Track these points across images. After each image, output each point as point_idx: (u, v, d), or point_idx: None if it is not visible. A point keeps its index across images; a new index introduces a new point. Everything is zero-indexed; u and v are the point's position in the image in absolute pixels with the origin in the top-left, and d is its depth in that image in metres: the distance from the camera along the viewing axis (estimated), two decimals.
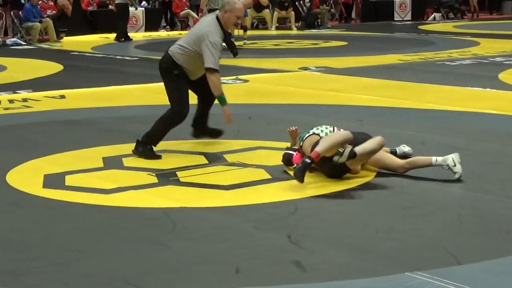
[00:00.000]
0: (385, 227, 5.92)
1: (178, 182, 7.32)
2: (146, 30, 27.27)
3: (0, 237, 5.83)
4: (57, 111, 11.32)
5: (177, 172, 7.63)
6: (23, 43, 23.21)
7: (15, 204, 6.67)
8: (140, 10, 27.61)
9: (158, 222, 6.10)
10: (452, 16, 34.26)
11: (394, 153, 7.86)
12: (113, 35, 24.98)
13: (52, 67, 17.14)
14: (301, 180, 6.90)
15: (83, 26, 26.13)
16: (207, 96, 8.64)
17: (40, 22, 23.57)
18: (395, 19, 33.14)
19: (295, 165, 7.41)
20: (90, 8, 26.81)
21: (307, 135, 7.63)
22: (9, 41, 23.26)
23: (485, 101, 11.65)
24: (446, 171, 7.33)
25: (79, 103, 11.96)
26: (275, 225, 6.02)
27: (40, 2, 24.35)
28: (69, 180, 7.40)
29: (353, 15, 33.77)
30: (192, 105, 8.66)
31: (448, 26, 29.56)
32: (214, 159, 8.19)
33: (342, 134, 7.28)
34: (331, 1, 31.89)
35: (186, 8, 28.12)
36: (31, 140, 9.33)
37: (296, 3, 30.52)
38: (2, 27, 23.91)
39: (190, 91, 8.53)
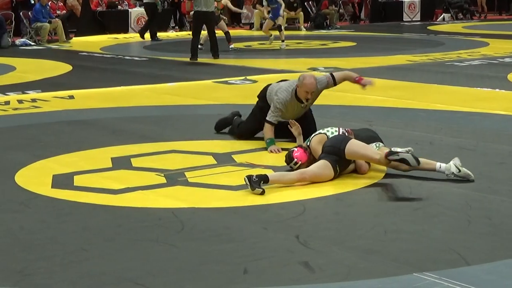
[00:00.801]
0: (393, 227, 5.91)
1: (186, 183, 7.33)
2: None
3: (9, 237, 5.84)
4: (66, 112, 11.34)
5: (185, 173, 7.63)
6: (32, 43, 23.25)
7: (24, 204, 6.68)
8: None
9: (166, 223, 6.11)
10: (461, 16, 34.18)
11: None
12: (122, 35, 25.03)
13: (61, 68, 17.17)
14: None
15: (92, 27, 26.16)
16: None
17: (49, 22, 23.61)
18: (404, 19, 33.06)
19: (295, 160, 7.50)
20: (99, 9, 26.84)
21: (316, 133, 7.69)
22: (18, 41, 23.31)
23: (494, 102, 11.63)
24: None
25: (88, 104, 11.98)
26: (283, 226, 6.02)
27: (49, 3, 24.39)
28: (78, 180, 7.42)
29: (362, 15, 33.73)
30: None
31: (457, 26, 29.50)
32: (222, 159, 8.19)
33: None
34: (340, 2, 31.85)
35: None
36: (40, 140, 9.35)
37: (305, 3, 30.51)
38: (11, 28, 23.95)
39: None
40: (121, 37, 25.44)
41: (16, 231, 5.97)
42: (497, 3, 37.87)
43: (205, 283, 4.90)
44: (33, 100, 12.32)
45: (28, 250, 5.53)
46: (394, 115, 10.69)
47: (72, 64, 17.70)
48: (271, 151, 8.41)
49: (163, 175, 7.56)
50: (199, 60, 17.89)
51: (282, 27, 21.64)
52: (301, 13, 28.60)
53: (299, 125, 8.30)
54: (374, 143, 7.60)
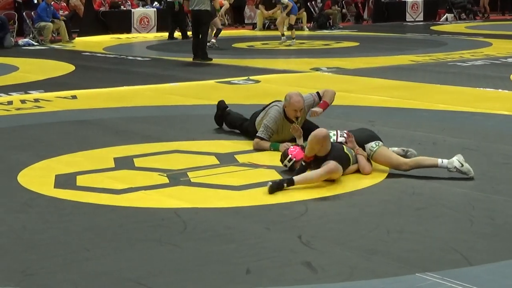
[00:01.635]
0: (396, 228, 5.91)
1: (189, 183, 7.33)
2: (158, 30, 27.28)
3: (12, 236, 5.85)
4: (68, 112, 11.35)
5: (188, 173, 7.63)
6: (35, 43, 23.27)
7: (27, 204, 6.68)
8: (152, 10, 27.64)
9: (168, 223, 6.11)
10: (464, 16, 34.16)
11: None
12: (125, 35, 25.02)
13: (64, 68, 17.17)
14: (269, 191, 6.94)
15: (95, 27, 26.16)
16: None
17: (52, 22, 23.61)
18: (407, 19, 33.05)
19: (290, 156, 7.55)
20: (102, 9, 26.85)
21: None
22: (21, 41, 23.32)
23: (497, 102, 11.62)
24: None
25: (91, 104, 11.98)
26: (285, 226, 6.02)
27: (52, 3, 24.38)
28: (80, 180, 7.42)
29: (365, 15, 33.71)
30: None
31: (460, 26, 29.49)
32: (225, 159, 8.19)
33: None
34: (343, 2, 31.83)
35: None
36: (42, 140, 9.35)
37: (308, 3, 30.49)
38: (14, 28, 23.96)
39: None
40: (124, 37, 25.44)
41: (18, 231, 5.97)
42: (500, 3, 37.84)
43: (208, 283, 4.90)
44: (36, 100, 12.32)
45: (30, 250, 5.53)
46: (396, 115, 10.69)
47: (75, 64, 17.70)
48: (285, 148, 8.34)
49: (165, 175, 7.56)
50: (202, 60, 17.87)
51: (293, 26, 22.50)
52: (304, 13, 28.59)
53: (300, 128, 8.31)
54: (374, 142, 7.60)
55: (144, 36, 26.01)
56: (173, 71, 16.37)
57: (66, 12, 25.43)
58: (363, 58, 18.35)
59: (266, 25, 29.21)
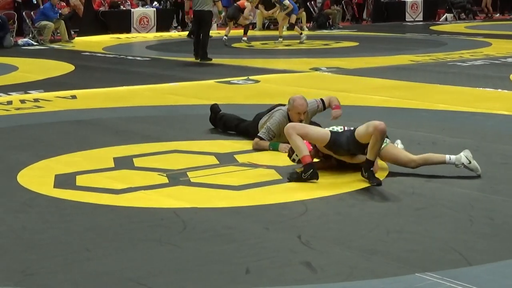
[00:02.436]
0: (395, 228, 5.91)
1: (188, 183, 7.33)
2: (158, 30, 27.30)
3: (11, 236, 5.85)
4: (68, 111, 11.35)
5: (187, 173, 7.63)
6: (35, 43, 23.26)
7: (26, 204, 6.68)
8: (152, 10, 27.64)
9: (168, 223, 6.11)
10: (464, 16, 34.16)
11: None
12: (124, 35, 24.99)
13: (64, 68, 17.17)
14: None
15: (94, 27, 26.16)
16: None
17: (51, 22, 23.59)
18: (406, 19, 33.04)
19: (294, 153, 7.57)
20: (101, 9, 26.85)
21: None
22: (20, 41, 23.32)
23: (497, 102, 11.63)
24: (457, 170, 7.34)
25: (90, 104, 11.98)
26: (285, 226, 6.02)
27: (56, 4, 24.33)
28: (80, 180, 7.42)
29: (365, 15, 33.69)
30: None
31: (459, 26, 29.48)
32: (224, 159, 8.19)
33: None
34: (343, 2, 31.82)
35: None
36: (42, 140, 9.35)
37: (308, 3, 30.49)
38: (14, 28, 23.96)
39: None
40: (123, 37, 25.44)
41: (18, 231, 5.97)
42: (500, 3, 37.84)
43: (207, 283, 4.90)
44: (36, 100, 12.32)
45: (30, 250, 5.53)
46: (396, 115, 10.69)
47: (74, 64, 17.70)
48: (285, 150, 8.33)
49: (165, 175, 7.56)
50: (201, 60, 17.87)
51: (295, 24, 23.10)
52: (304, 13, 28.58)
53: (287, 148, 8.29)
54: None
55: (144, 36, 26.00)
56: (172, 71, 16.37)
57: (66, 12, 25.40)
58: (363, 58, 18.35)
59: (266, 25, 29.22)
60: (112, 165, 8.02)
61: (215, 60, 17.87)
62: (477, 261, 5.19)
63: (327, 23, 29.17)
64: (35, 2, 25.50)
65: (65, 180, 7.41)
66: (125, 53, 20.40)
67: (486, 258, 5.25)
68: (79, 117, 10.82)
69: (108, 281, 4.94)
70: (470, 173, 7.41)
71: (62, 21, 23.93)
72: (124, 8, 27.34)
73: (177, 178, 7.46)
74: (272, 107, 9.00)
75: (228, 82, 14.20)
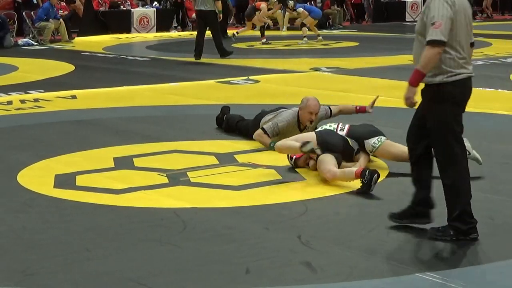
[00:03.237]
0: (395, 228, 5.91)
1: (188, 183, 7.33)
2: (158, 30, 27.28)
3: (12, 236, 5.85)
4: (68, 112, 11.35)
5: (187, 173, 7.63)
6: (35, 43, 23.26)
7: (26, 204, 6.69)
8: (152, 10, 27.63)
9: (168, 223, 6.11)
10: None
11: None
12: (124, 35, 24.96)
13: (64, 68, 17.17)
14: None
15: (94, 27, 26.13)
16: None
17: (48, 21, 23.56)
18: (406, 19, 33.01)
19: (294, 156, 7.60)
20: (101, 9, 26.84)
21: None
22: (20, 41, 23.31)
23: (497, 102, 11.63)
24: None
25: (90, 104, 11.98)
26: (285, 226, 6.03)
27: (55, 4, 24.32)
28: (80, 180, 7.42)
29: (365, 15, 33.68)
30: None
31: None
32: (224, 159, 8.19)
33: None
34: (343, 2, 31.79)
35: None
36: (42, 140, 9.35)
37: (307, 3, 30.47)
38: (14, 28, 23.95)
39: None
40: (123, 37, 25.43)
41: (18, 231, 5.97)
42: (500, 3, 37.83)
43: (207, 283, 4.91)
44: (36, 100, 12.32)
45: (30, 250, 5.54)
46: (396, 115, 10.67)
47: (74, 64, 17.69)
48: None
49: (165, 175, 7.56)
50: (203, 60, 17.89)
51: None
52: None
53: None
54: (376, 138, 7.60)
55: (144, 36, 25.99)
56: (172, 71, 16.36)
57: (66, 12, 25.41)
58: (363, 58, 18.35)
59: (266, 25, 29.19)
60: (112, 165, 8.02)
61: (215, 60, 17.87)
62: (477, 261, 5.20)
63: (327, 23, 29.15)
64: (35, 2, 25.48)
65: (65, 180, 7.41)
66: (125, 53, 20.39)
67: (486, 258, 5.25)
68: (79, 117, 10.82)
69: (108, 281, 4.94)
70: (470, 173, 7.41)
71: (62, 21, 23.93)
72: (124, 8, 27.33)
73: (177, 178, 7.46)
74: (275, 109, 8.98)
75: (228, 82, 14.20)
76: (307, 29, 22.78)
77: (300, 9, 22.73)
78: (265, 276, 4.99)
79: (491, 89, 12.97)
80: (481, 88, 13.08)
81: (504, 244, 5.58)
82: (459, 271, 5.01)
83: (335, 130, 7.70)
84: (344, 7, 31.99)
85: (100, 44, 22.88)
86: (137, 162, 8.12)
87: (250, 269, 5.09)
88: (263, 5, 23.20)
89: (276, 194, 6.88)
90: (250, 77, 14.74)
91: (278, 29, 27.39)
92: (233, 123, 9.48)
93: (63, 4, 25.82)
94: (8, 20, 23.21)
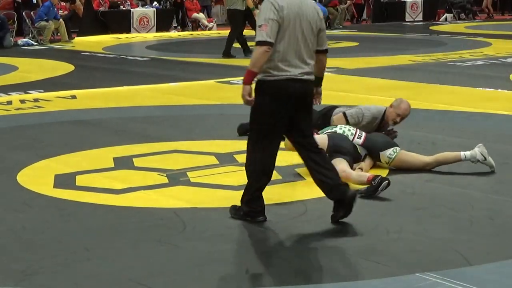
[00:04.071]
0: (395, 227, 5.91)
1: (188, 183, 7.33)
2: (157, 30, 27.28)
3: (11, 236, 5.85)
4: (68, 112, 11.35)
5: (187, 173, 7.63)
6: (35, 43, 23.25)
7: (26, 204, 6.68)
8: (151, 10, 27.63)
9: (168, 223, 6.11)
10: (464, 16, 34.15)
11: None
12: (124, 35, 24.95)
13: (64, 68, 17.17)
14: None
15: (94, 27, 26.13)
16: None
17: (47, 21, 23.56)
18: (406, 19, 33.03)
19: None
20: (101, 9, 26.84)
21: (329, 131, 7.76)
22: (20, 41, 23.31)
23: (496, 102, 11.63)
24: (457, 169, 7.36)
25: (90, 104, 11.98)
26: (285, 226, 6.02)
27: (55, 4, 24.31)
28: (80, 180, 7.42)
29: (365, 15, 33.68)
30: None
31: (459, 26, 29.48)
32: (224, 159, 8.19)
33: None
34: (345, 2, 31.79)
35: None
36: (42, 140, 9.35)
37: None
38: (14, 28, 23.95)
39: None
40: (123, 37, 25.43)
41: (18, 230, 5.97)
42: (500, 3, 37.84)
43: (207, 283, 4.90)
44: (35, 100, 12.32)
45: (30, 250, 5.53)
46: None
47: (74, 64, 17.69)
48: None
49: (165, 175, 7.56)
50: (203, 60, 17.90)
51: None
52: None
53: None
54: (391, 149, 7.59)
55: (144, 36, 25.99)
56: (172, 71, 16.36)
57: (66, 12, 25.41)
58: (363, 58, 18.35)
59: None
60: (112, 165, 8.02)
61: (214, 60, 17.87)
62: (477, 261, 5.19)
63: (327, 23, 29.14)
64: (35, 2, 25.48)
65: (65, 180, 7.41)
66: (125, 53, 20.39)
67: (486, 258, 5.25)
68: (79, 117, 10.82)
69: (108, 281, 4.94)
70: (470, 173, 7.42)
71: (62, 21, 23.92)
72: (124, 8, 27.33)
73: (177, 178, 7.46)
74: (325, 108, 8.83)
75: (228, 82, 14.20)
76: None
77: None
78: (265, 276, 4.99)
79: (491, 89, 12.97)
80: (481, 88, 13.10)
81: (504, 244, 5.58)
82: (459, 271, 5.01)
83: (352, 137, 7.68)
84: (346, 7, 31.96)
85: (100, 44, 22.88)
86: (137, 162, 8.12)
87: (250, 269, 5.09)
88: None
89: (276, 194, 6.88)
90: None
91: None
92: None
93: (63, 4, 25.82)
94: (8, 20, 23.21)
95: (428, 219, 6.16)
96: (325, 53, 6.48)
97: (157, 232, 5.87)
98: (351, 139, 7.62)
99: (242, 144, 8.87)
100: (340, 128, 7.83)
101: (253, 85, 5.96)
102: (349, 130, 7.73)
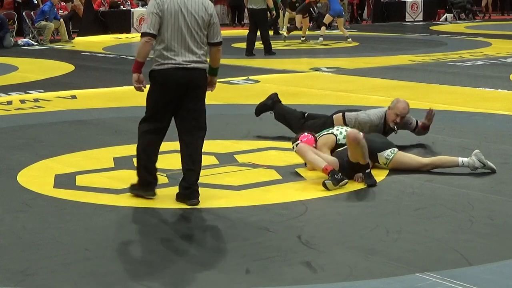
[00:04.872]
0: (395, 228, 5.91)
1: None
2: None
3: (11, 236, 5.85)
4: (68, 112, 11.35)
5: None
6: (35, 43, 23.26)
7: (26, 204, 6.68)
8: None
9: (168, 223, 6.11)
10: (464, 16, 34.16)
11: None
12: (124, 35, 24.91)
13: (64, 68, 17.17)
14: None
15: (94, 27, 26.15)
16: None
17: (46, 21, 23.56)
18: (406, 19, 33.05)
19: (299, 141, 7.60)
20: (101, 9, 26.85)
21: (325, 133, 7.75)
22: (20, 41, 23.31)
23: (497, 102, 11.63)
24: (457, 170, 7.36)
25: (90, 104, 11.98)
26: (285, 226, 6.02)
27: (56, 4, 24.31)
28: (80, 180, 7.42)
29: (365, 15, 33.68)
30: None
31: (459, 26, 29.49)
32: (224, 159, 8.19)
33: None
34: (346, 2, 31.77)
35: None
36: (42, 140, 9.35)
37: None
38: (14, 28, 23.95)
39: None
40: (123, 37, 25.44)
41: (18, 230, 5.97)
42: (500, 3, 37.84)
43: (208, 283, 4.90)
44: (36, 100, 12.32)
45: (30, 250, 5.53)
46: None
47: (74, 64, 17.70)
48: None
49: (165, 175, 7.55)
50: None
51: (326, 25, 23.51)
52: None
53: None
54: (389, 150, 7.59)
55: None
56: None
57: (66, 12, 25.42)
58: (363, 58, 18.35)
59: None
60: (112, 165, 8.02)
61: None
62: (477, 261, 5.19)
63: (329, 24, 29.10)
64: (35, 2, 25.49)
65: (65, 180, 7.41)
66: (125, 53, 20.39)
67: (486, 258, 5.25)
68: (79, 117, 10.82)
69: (108, 281, 4.94)
70: (470, 173, 7.42)
71: (62, 21, 23.93)
72: (124, 8, 27.34)
73: (177, 178, 7.45)
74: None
75: (228, 82, 14.19)
76: (325, 29, 23.05)
77: None
78: (265, 276, 4.99)
79: (491, 89, 12.97)
80: (481, 88, 13.10)
81: (504, 244, 5.58)
82: (459, 271, 5.01)
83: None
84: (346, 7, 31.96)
85: (100, 44, 22.89)
86: None
87: (250, 269, 5.09)
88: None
89: (276, 194, 6.88)
90: (250, 77, 14.74)
91: (278, 29, 27.39)
92: (291, 118, 9.18)
93: (63, 4, 25.83)
94: (8, 20, 23.21)
95: (427, 219, 6.16)
96: (217, 45, 6.86)
97: (157, 232, 5.87)
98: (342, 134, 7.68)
99: (242, 144, 8.90)
100: (337, 129, 7.84)
101: None
102: (346, 131, 7.73)
